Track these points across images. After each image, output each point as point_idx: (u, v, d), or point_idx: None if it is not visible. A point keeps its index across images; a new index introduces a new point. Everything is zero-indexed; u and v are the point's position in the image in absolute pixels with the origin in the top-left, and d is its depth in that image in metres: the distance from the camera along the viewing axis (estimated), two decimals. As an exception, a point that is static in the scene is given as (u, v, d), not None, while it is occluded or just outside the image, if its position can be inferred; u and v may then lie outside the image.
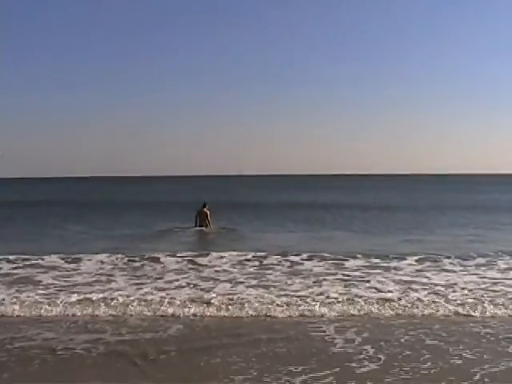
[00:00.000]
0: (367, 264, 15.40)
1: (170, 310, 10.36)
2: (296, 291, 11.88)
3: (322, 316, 9.98)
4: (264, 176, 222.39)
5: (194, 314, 10.17)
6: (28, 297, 11.45)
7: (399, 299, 11.08)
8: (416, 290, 11.90)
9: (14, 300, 11.14)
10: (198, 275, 13.98)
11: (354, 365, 7.41)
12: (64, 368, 7.42)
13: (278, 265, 15.40)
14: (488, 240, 21.15)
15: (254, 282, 13.00)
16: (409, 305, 10.66)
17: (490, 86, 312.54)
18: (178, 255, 16.95)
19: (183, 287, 12.52)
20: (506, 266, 14.98)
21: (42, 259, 16.24)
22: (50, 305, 10.78)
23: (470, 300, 11.06)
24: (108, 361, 7.68)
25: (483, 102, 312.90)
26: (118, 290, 12.20)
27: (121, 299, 11.13)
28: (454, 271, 14.42)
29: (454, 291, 11.88)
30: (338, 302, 10.81)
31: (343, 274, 13.91)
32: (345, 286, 12.42)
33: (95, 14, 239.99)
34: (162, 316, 10.09)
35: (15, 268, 15.09)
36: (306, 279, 13.28)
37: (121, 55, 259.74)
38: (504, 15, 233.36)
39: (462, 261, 15.86)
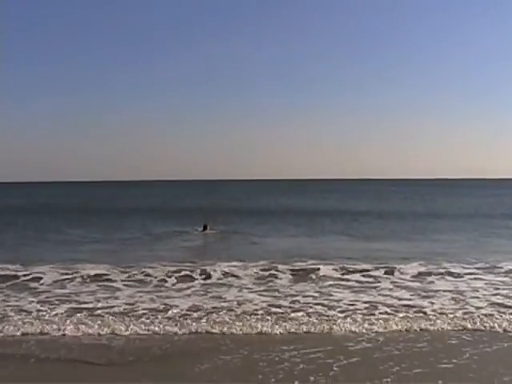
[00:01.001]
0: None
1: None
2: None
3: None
4: (265, 181, 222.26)
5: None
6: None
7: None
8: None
9: None
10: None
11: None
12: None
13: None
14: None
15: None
16: None
17: (494, 89, 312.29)
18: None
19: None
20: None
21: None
22: None
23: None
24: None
25: (486, 106, 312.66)
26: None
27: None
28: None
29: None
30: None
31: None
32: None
33: (95, 17, 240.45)
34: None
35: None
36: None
37: (121, 59, 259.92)
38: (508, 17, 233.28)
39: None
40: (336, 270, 15.19)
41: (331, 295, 12.22)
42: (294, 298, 11.87)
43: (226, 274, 14.62)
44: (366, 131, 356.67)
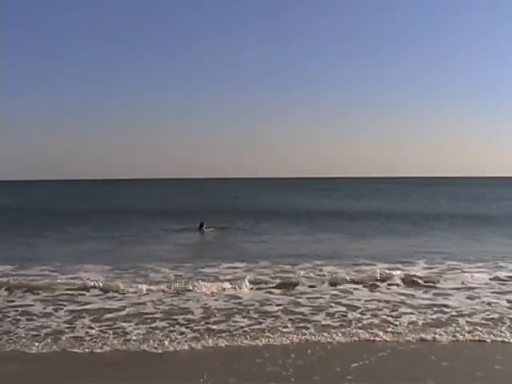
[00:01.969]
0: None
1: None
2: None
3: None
4: (264, 179, 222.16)
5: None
6: None
7: None
8: None
9: None
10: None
11: None
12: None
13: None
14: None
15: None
16: None
17: (492, 88, 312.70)
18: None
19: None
20: None
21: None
22: None
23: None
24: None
25: (484, 104, 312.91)
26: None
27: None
28: None
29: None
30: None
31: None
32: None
33: (94, 15, 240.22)
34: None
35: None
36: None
37: (121, 57, 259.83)
38: (508, 17, 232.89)
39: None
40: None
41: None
42: None
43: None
44: (367, 129, 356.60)
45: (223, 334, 9.09)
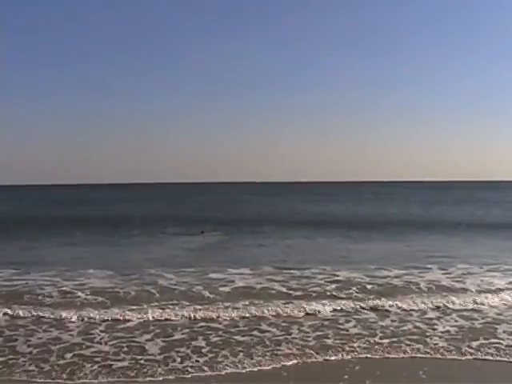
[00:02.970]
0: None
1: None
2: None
3: None
4: (265, 183, 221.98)
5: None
6: None
7: None
8: None
9: None
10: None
11: None
12: None
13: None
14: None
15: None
16: None
17: (495, 92, 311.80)
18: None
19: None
20: None
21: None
22: None
23: None
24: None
25: (488, 108, 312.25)
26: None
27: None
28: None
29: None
30: None
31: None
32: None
33: (96, 18, 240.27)
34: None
35: None
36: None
37: (121, 61, 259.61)
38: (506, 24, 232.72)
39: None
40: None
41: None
42: None
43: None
44: (371, 134, 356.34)
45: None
